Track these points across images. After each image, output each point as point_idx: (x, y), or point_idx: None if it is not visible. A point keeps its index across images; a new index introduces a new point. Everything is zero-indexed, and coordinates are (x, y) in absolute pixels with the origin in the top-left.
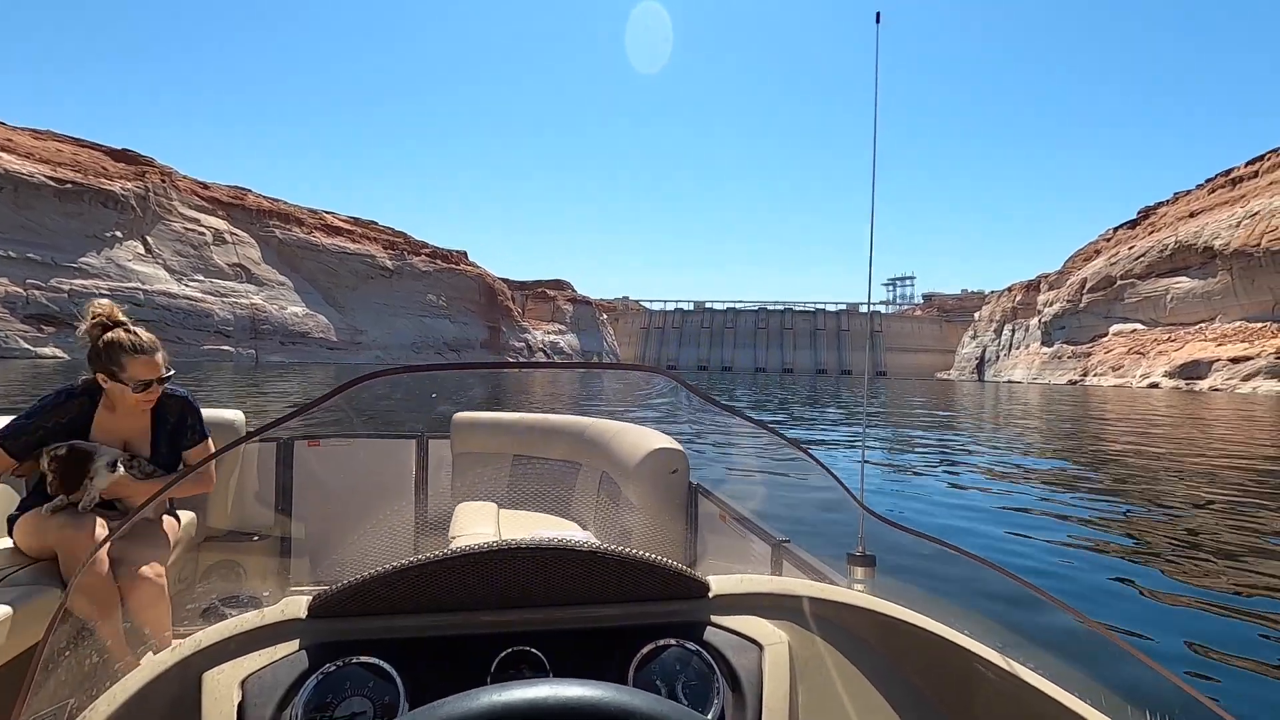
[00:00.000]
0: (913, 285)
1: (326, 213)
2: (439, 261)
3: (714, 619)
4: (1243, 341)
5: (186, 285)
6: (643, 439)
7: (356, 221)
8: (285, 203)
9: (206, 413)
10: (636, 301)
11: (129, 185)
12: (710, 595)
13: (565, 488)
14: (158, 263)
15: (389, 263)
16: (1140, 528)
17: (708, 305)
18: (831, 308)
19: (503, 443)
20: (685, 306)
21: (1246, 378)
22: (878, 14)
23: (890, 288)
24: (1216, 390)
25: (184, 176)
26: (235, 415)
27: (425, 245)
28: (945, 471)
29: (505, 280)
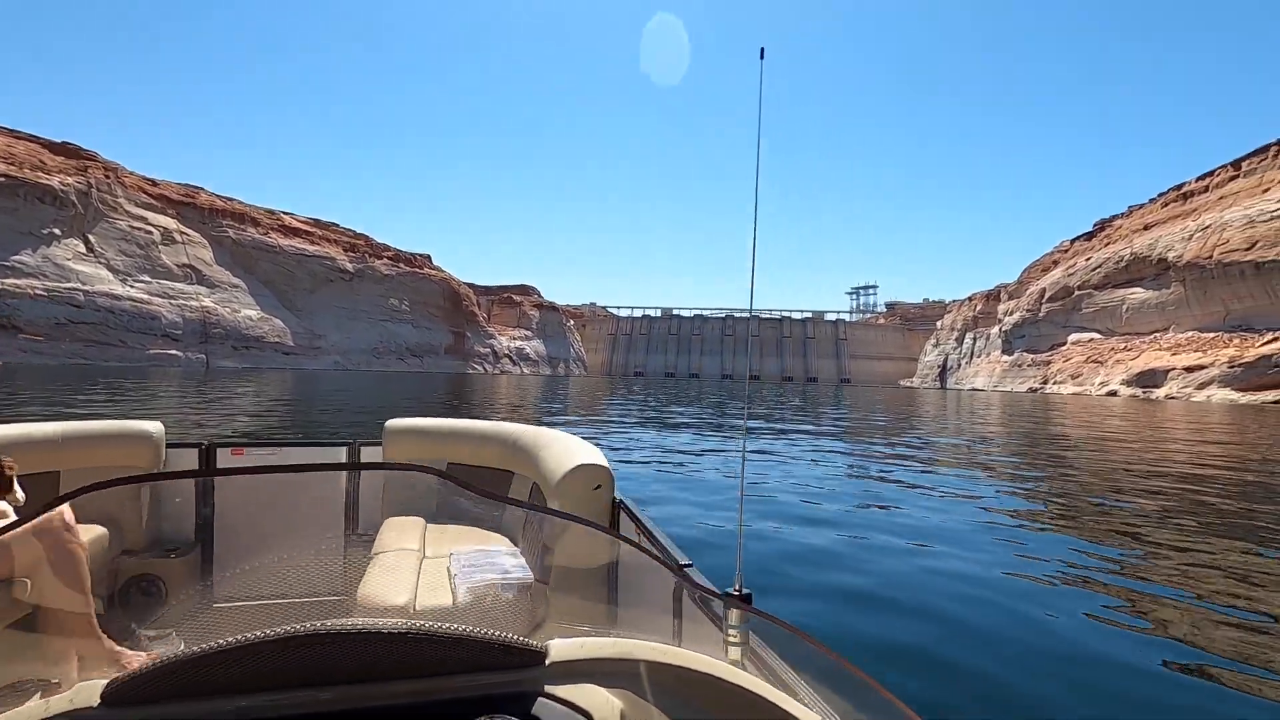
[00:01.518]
0: (876, 294)
1: (284, 213)
2: (402, 265)
3: (548, 688)
4: (1196, 351)
5: (131, 286)
6: (570, 452)
7: (316, 223)
8: (240, 202)
9: (121, 424)
10: (604, 308)
11: (69, 180)
12: (547, 663)
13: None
14: (100, 262)
15: (349, 265)
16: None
17: (675, 312)
18: (797, 315)
19: (436, 450)
20: (653, 313)
21: (1201, 386)
22: (761, 50)
23: (854, 296)
24: (1173, 398)
25: (130, 173)
26: (153, 427)
27: (388, 248)
28: (863, 479)
29: (471, 285)
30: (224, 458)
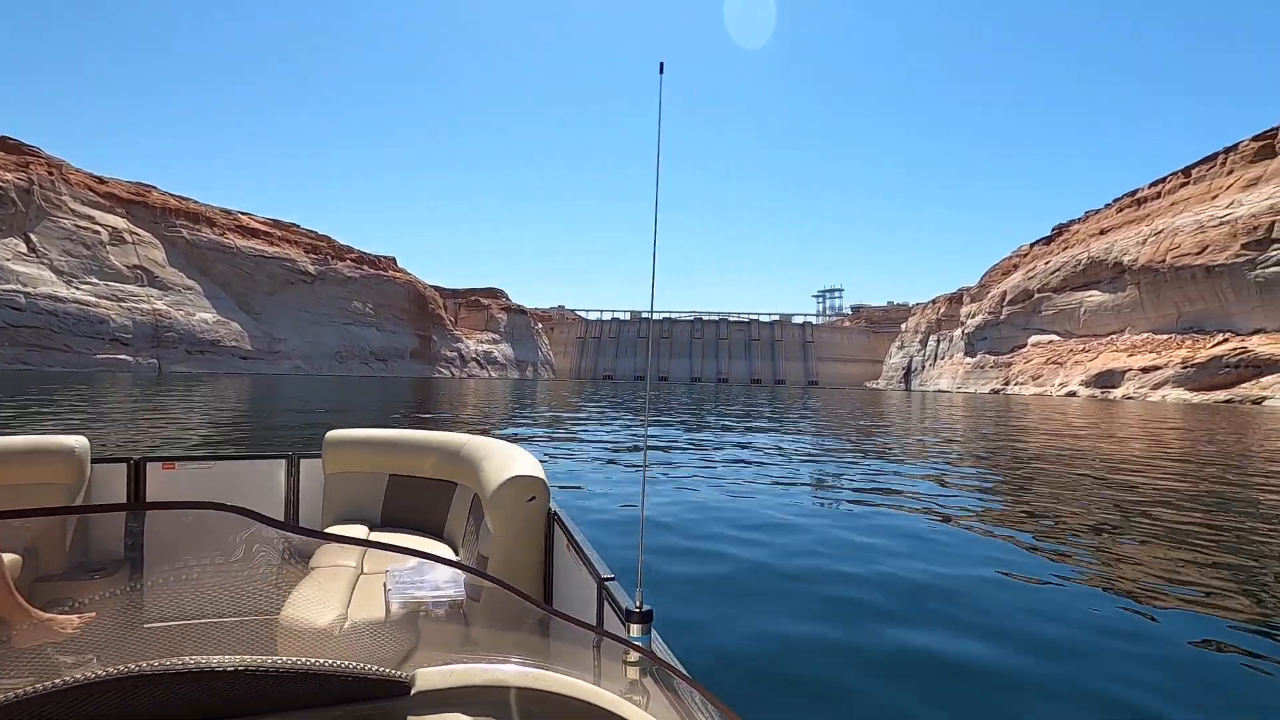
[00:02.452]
0: (841, 297)
1: (242, 213)
2: (366, 267)
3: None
4: (1151, 352)
5: (77, 288)
6: (507, 462)
7: (275, 223)
8: (195, 201)
9: (42, 439)
10: (573, 311)
11: (9, 177)
12: (413, 692)
13: (441, 508)
14: (43, 263)
15: (311, 267)
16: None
17: (644, 315)
18: (765, 318)
19: (378, 461)
20: (622, 316)
21: (1156, 386)
22: (661, 64)
23: (820, 299)
24: (1129, 398)
25: (76, 170)
26: (77, 442)
27: (351, 250)
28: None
29: (437, 288)
30: (154, 473)
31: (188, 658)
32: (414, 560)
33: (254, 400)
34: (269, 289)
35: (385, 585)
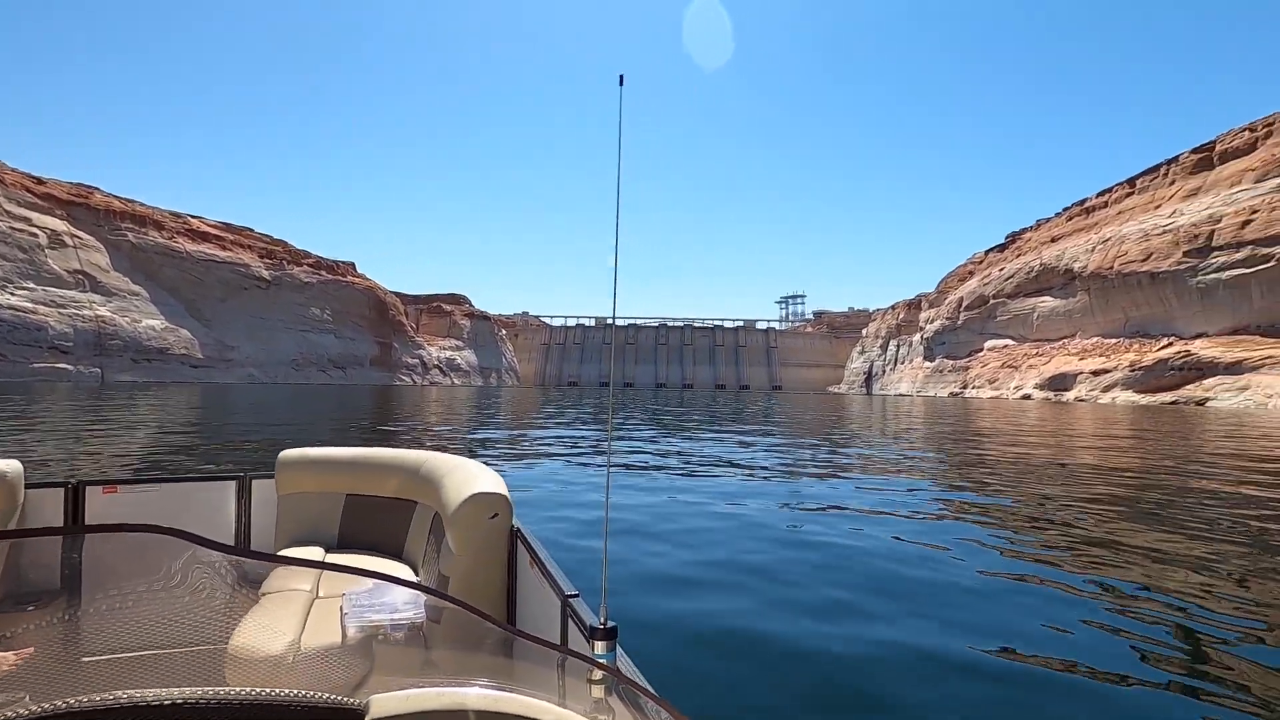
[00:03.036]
0: (804, 303)
1: (192, 217)
2: (324, 272)
3: None
4: (1101, 356)
5: (13, 294)
6: (469, 480)
7: (228, 227)
8: (141, 204)
9: None
10: (537, 317)
11: None
12: (367, 719)
13: (400, 527)
14: None
15: (265, 273)
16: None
17: (609, 321)
18: (730, 324)
19: (334, 481)
20: (586, 322)
21: (1106, 389)
22: (620, 76)
23: (783, 305)
24: (1081, 400)
25: (12, 170)
26: (8, 466)
27: (308, 255)
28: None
29: (398, 294)
30: (94, 497)
31: (121, 692)
32: (371, 582)
33: (204, 412)
34: (221, 295)
35: (342, 609)
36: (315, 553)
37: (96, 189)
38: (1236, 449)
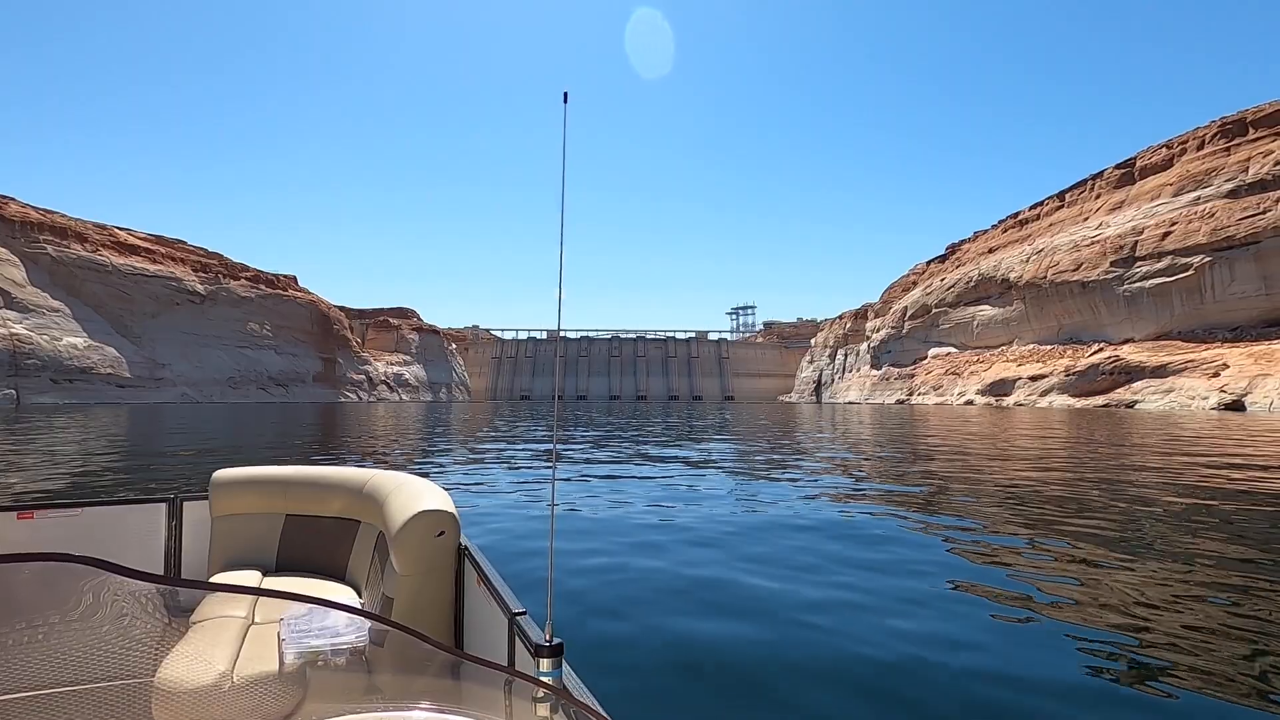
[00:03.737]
0: (754, 314)
1: (119, 228)
2: (263, 286)
3: None
4: (1038, 362)
5: None
6: (415, 497)
7: (158, 239)
8: (61, 215)
9: None
10: (488, 330)
11: None
12: None
13: (343, 548)
14: None
15: (200, 287)
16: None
17: (561, 334)
18: (682, 335)
19: (272, 502)
20: (538, 335)
21: (1044, 393)
22: (565, 94)
23: (734, 316)
24: (1021, 405)
25: None
26: None
27: (246, 268)
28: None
29: (343, 308)
30: (7, 524)
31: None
32: (309, 606)
33: (132, 433)
34: (151, 310)
35: (279, 635)
36: (252, 577)
37: (12, 199)
38: (1150, 446)
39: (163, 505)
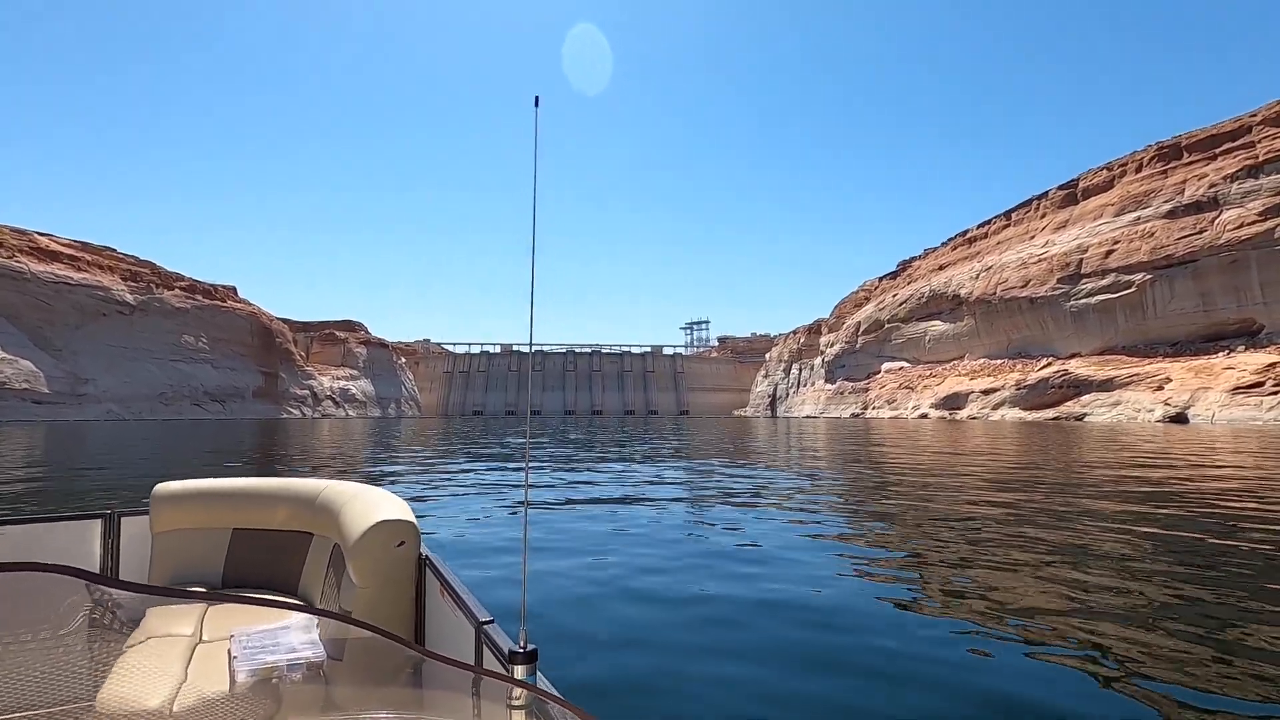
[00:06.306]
0: (708, 329)
1: (39, 234)
2: (199, 297)
3: None
4: (989, 376)
5: None
6: (372, 507)
7: (84, 246)
8: None
9: None
10: (439, 344)
11: None
12: None
13: (295, 562)
14: None
15: (129, 297)
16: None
17: (515, 348)
18: (637, 350)
19: (219, 515)
20: (491, 349)
21: (996, 407)
22: (536, 98)
23: (688, 331)
24: (974, 418)
25: None
26: None
27: (181, 278)
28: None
29: (286, 320)
30: None
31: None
32: (263, 623)
33: (50, 454)
34: (74, 321)
35: (230, 652)
36: (198, 590)
37: None
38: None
39: (98, 521)
